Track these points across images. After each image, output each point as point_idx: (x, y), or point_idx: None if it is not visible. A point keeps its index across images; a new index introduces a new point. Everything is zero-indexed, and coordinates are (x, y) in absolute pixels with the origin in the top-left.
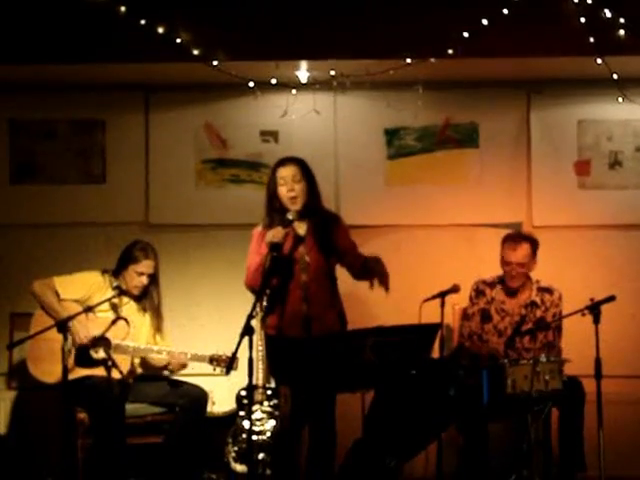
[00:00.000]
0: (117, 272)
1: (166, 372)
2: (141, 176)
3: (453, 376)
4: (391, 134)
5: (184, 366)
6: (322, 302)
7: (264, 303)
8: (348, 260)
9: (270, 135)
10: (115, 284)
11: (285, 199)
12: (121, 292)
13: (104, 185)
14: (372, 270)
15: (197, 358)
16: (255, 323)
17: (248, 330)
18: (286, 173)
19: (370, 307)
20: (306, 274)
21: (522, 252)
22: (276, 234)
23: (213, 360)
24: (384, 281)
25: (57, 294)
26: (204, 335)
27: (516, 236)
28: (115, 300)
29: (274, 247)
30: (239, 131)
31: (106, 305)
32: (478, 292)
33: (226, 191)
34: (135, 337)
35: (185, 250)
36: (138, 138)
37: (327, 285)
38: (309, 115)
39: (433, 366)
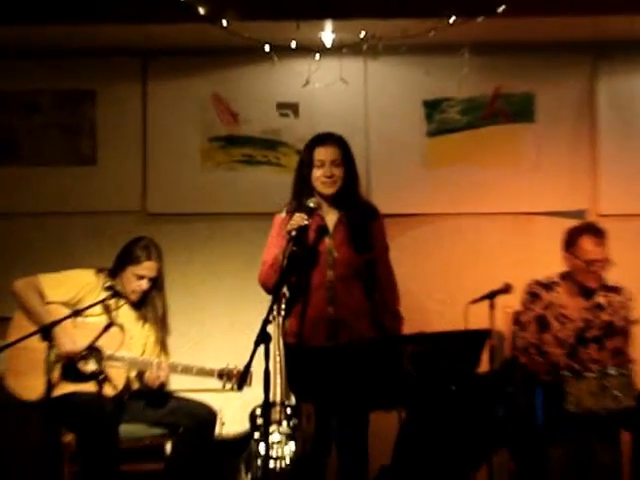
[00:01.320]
0: (114, 272)
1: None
2: (138, 157)
3: (501, 393)
4: (431, 107)
5: (160, 381)
6: (351, 305)
7: (282, 305)
8: (375, 264)
9: (289, 108)
10: (108, 284)
11: (319, 182)
12: (115, 294)
13: (94, 167)
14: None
15: (204, 373)
16: (272, 329)
17: (264, 338)
18: (326, 155)
19: (408, 311)
20: (333, 271)
21: (605, 246)
22: (297, 222)
23: (223, 375)
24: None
25: (42, 295)
26: (211, 345)
27: (598, 228)
28: (109, 303)
29: (295, 238)
30: (253, 103)
31: (98, 309)
32: (532, 296)
33: (237, 174)
34: (131, 347)
35: (189, 244)
36: (134, 112)
37: (358, 285)
38: (335, 84)
39: (478, 381)
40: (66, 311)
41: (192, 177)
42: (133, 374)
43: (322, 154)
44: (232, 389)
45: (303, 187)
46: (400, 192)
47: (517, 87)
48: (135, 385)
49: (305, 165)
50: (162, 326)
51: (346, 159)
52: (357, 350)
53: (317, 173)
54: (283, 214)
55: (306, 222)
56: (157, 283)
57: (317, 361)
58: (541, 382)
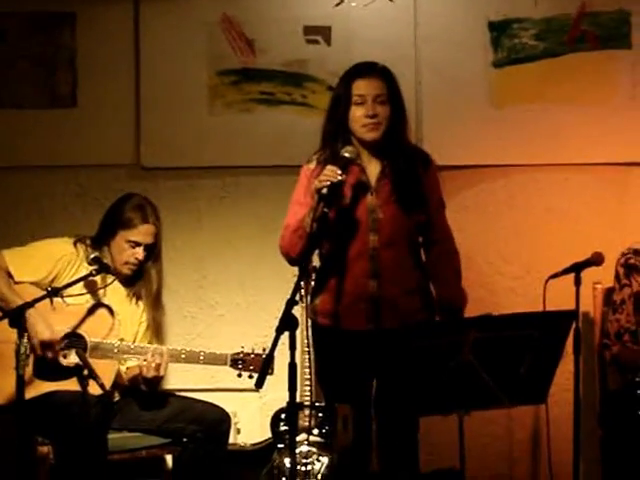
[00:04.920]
0: (99, 241)
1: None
2: (129, 96)
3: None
4: (499, 29)
5: (158, 371)
6: (399, 278)
7: (311, 281)
8: (429, 226)
9: (319, 33)
10: (93, 255)
11: (358, 124)
12: (102, 268)
13: (74, 110)
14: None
15: (213, 359)
16: (299, 312)
17: (288, 323)
18: (367, 89)
19: (470, 286)
20: (377, 236)
21: None
22: (329, 177)
23: (237, 362)
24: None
25: (9, 274)
26: (223, 329)
27: None
28: (94, 279)
29: (326, 197)
30: (273, 27)
31: (80, 287)
32: (629, 268)
33: (254, 117)
34: (122, 333)
35: (194, 206)
36: (124, 40)
37: (408, 254)
38: (376, 3)
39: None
40: (40, 292)
41: (197, 121)
42: (125, 367)
43: (363, 88)
44: (248, 384)
45: (337, 131)
46: (459, 138)
47: (608, 4)
48: (127, 381)
49: (340, 102)
50: (157, 304)
51: (393, 95)
52: (406, 336)
53: (356, 112)
54: (312, 165)
55: (340, 177)
56: (153, 251)
57: (355, 350)
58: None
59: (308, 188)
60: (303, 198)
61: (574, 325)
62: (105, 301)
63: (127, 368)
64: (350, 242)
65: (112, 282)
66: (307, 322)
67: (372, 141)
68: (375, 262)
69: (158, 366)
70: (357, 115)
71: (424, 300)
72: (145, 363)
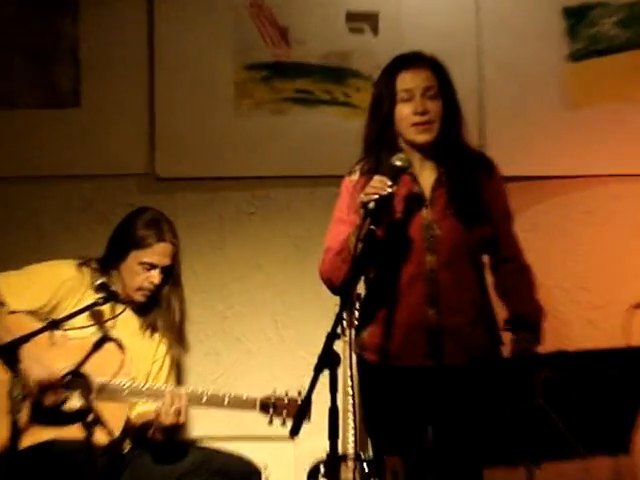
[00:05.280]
0: (107, 263)
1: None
2: (141, 95)
3: None
4: (576, 16)
5: (177, 421)
6: (462, 304)
7: (356, 310)
8: (495, 242)
9: (364, 20)
10: (100, 281)
11: (406, 124)
12: (110, 296)
13: (77, 110)
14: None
15: (240, 404)
16: (341, 347)
17: (329, 360)
18: (414, 81)
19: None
20: (434, 256)
21: None
22: (377, 189)
23: (268, 406)
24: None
25: (2, 302)
26: (252, 367)
27: None
28: (101, 309)
29: (373, 213)
30: (310, 13)
31: (84, 318)
32: None
33: (288, 119)
34: (134, 372)
35: (218, 223)
36: (136, 29)
37: (470, 275)
38: None
39: None
40: (37, 323)
41: (221, 124)
42: (136, 412)
43: (409, 81)
44: (281, 432)
45: (382, 135)
46: (528, 144)
47: None
48: (139, 428)
49: (383, 101)
50: (178, 338)
51: (445, 88)
52: (471, 374)
53: (403, 110)
54: (355, 176)
55: (390, 189)
56: (172, 275)
57: (411, 390)
58: None
59: (352, 203)
60: (346, 215)
61: None
62: (114, 334)
63: (139, 413)
64: (403, 264)
65: (122, 312)
66: (351, 359)
67: (424, 144)
68: (433, 286)
69: (177, 411)
70: (404, 113)
71: (489, 329)
72: (162, 408)
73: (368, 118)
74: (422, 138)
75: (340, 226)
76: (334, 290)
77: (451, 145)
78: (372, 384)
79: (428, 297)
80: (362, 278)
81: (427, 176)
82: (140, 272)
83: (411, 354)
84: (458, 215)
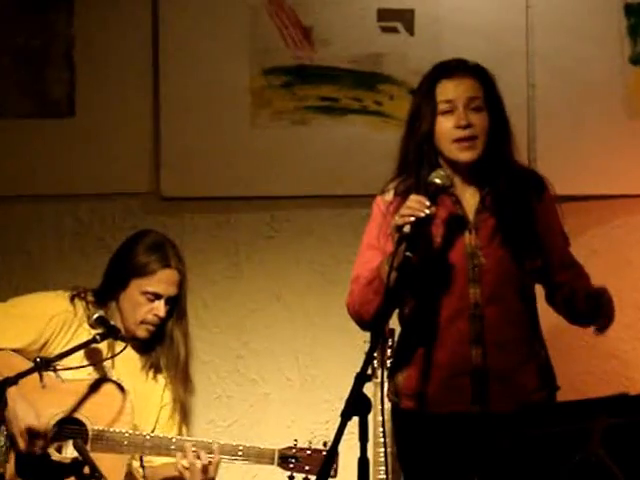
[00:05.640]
0: (104, 294)
1: None
2: (144, 102)
3: None
4: (638, 14)
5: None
6: (510, 343)
7: (388, 348)
8: (551, 268)
9: (398, 19)
10: (97, 315)
11: (448, 140)
12: (109, 331)
13: (72, 120)
14: (601, 308)
15: (257, 455)
16: (372, 390)
17: (358, 403)
18: (457, 91)
19: (598, 357)
20: (479, 289)
21: None
22: (413, 210)
23: (288, 459)
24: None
25: None
26: (270, 413)
27: None
28: (98, 347)
29: (410, 238)
30: (337, 11)
31: (79, 358)
32: None
33: (312, 130)
34: (137, 419)
35: (232, 248)
36: (139, 29)
37: (520, 310)
38: None
39: None
40: (26, 363)
41: (236, 137)
42: (137, 463)
43: (451, 91)
44: None
45: (420, 152)
46: (585, 159)
47: None
48: None
49: (422, 113)
50: (184, 377)
51: (491, 100)
52: (525, 423)
53: (444, 123)
54: (389, 196)
55: (428, 211)
56: (177, 307)
57: (454, 439)
58: None
59: (384, 227)
60: (377, 240)
61: None
62: (113, 376)
63: (151, 467)
64: (443, 297)
65: (123, 350)
66: (383, 403)
67: (467, 162)
68: (478, 323)
69: (206, 468)
70: (446, 127)
71: (542, 372)
72: (185, 463)
73: (405, 132)
74: (465, 156)
75: (371, 252)
76: (364, 325)
77: (498, 163)
78: (410, 435)
79: (472, 335)
80: (396, 312)
81: (470, 198)
82: (143, 303)
83: (453, 399)
84: (506, 243)
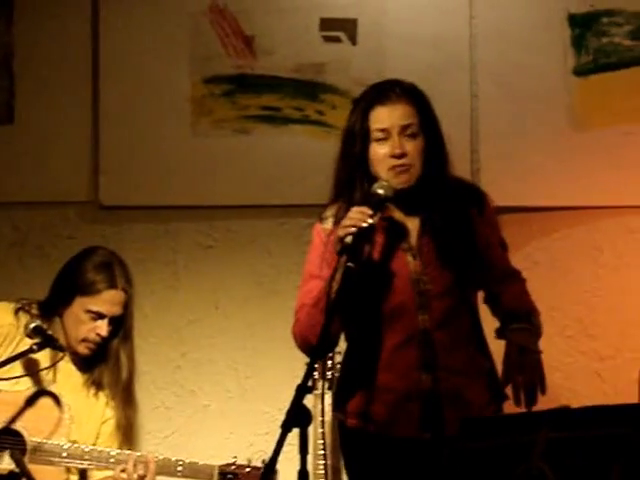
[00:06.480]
0: (49, 308)
1: None
2: (83, 109)
3: None
4: (582, 25)
5: None
6: (461, 365)
7: (329, 361)
8: (492, 280)
9: (341, 28)
10: (34, 324)
11: (383, 167)
12: (46, 341)
13: (10, 127)
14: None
15: (195, 472)
16: (313, 402)
17: (299, 414)
18: (390, 119)
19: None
20: (427, 315)
21: None
22: (354, 220)
23: (226, 476)
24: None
25: None
26: (209, 424)
27: None
28: (36, 358)
29: (352, 248)
30: (280, 20)
31: (17, 368)
32: None
33: (253, 140)
34: (76, 433)
35: (170, 258)
36: (79, 35)
37: (467, 327)
38: None
39: None
40: None
41: (175, 145)
42: (75, 478)
43: (384, 118)
44: None
45: (355, 178)
46: (528, 171)
47: None
48: None
49: (356, 139)
50: (127, 397)
51: (426, 122)
52: (464, 437)
53: (379, 151)
54: (328, 225)
55: (371, 220)
56: (122, 326)
57: (401, 463)
58: None
59: (326, 256)
60: (320, 270)
61: None
62: (54, 389)
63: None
64: (391, 324)
65: (61, 359)
66: (323, 415)
67: (404, 189)
68: (428, 349)
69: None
70: (380, 155)
71: (491, 384)
72: (124, 476)
73: (339, 155)
74: (401, 182)
75: (314, 282)
76: (311, 351)
77: (435, 186)
78: (355, 451)
79: (422, 361)
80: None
81: (410, 223)
82: (86, 321)
83: (402, 424)
84: (449, 265)
